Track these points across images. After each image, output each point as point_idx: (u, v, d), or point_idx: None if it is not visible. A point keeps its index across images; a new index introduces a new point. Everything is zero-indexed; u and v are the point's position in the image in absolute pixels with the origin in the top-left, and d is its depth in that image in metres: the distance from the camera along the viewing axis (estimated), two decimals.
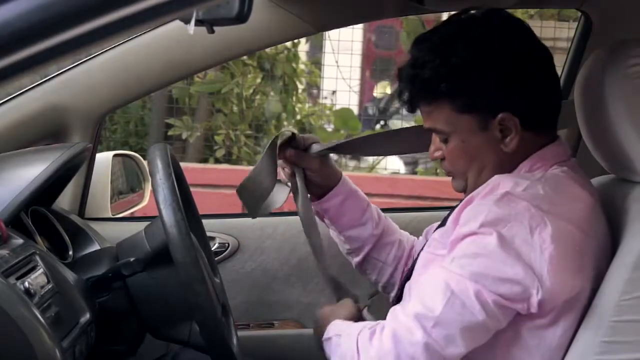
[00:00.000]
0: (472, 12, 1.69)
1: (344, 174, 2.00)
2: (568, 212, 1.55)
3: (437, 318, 1.51)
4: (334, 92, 6.11)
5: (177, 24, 1.63)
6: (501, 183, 1.57)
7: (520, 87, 1.63)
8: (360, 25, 6.11)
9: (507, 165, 1.65)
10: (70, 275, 1.70)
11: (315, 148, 1.92)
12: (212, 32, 1.37)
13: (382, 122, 6.72)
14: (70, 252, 1.90)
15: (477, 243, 1.52)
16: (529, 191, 1.55)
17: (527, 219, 1.51)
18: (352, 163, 6.22)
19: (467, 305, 1.50)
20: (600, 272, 1.56)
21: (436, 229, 1.77)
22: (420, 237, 1.97)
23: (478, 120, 1.63)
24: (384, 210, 2.04)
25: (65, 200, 2.17)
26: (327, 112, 6.03)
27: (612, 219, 1.59)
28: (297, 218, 1.95)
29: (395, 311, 1.59)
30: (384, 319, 1.61)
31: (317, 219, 1.97)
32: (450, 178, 1.73)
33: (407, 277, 1.77)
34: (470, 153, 1.66)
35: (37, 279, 1.55)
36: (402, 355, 1.53)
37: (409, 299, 1.63)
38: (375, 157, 5.78)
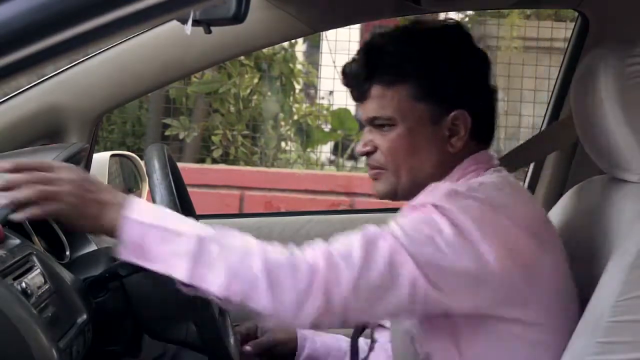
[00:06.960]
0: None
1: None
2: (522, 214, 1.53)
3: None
4: (331, 93, 6.10)
5: (174, 24, 1.63)
6: (441, 186, 1.54)
7: (480, 89, 1.64)
8: (357, 26, 6.11)
9: (444, 167, 1.61)
10: (67, 276, 1.70)
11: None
12: (210, 32, 1.37)
13: None
14: (67, 253, 1.90)
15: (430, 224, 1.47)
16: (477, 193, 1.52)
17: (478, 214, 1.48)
18: (349, 163, 6.21)
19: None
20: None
21: None
22: None
23: (432, 112, 1.59)
24: (381, 210, 2.04)
25: None
26: (325, 112, 6.02)
27: (609, 219, 1.59)
28: (293, 218, 1.94)
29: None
30: None
31: None
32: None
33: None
34: (413, 145, 1.60)
35: (34, 279, 1.54)
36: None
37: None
38: None
